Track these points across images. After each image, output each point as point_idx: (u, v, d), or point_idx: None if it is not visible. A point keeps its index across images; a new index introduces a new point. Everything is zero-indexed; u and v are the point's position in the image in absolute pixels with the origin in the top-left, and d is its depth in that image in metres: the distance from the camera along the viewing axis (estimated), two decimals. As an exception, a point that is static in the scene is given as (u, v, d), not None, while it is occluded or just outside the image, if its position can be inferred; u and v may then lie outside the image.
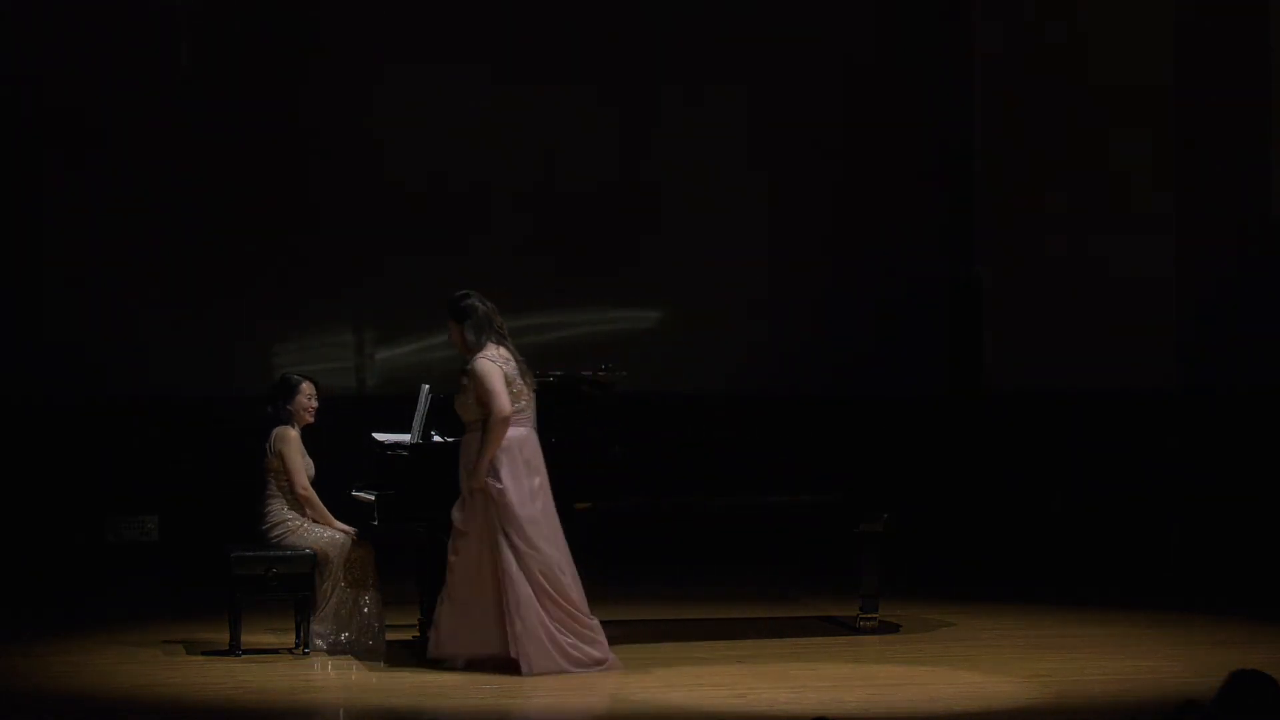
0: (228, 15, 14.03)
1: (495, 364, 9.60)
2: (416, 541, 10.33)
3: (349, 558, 10.16)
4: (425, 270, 13.53)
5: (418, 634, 10.21)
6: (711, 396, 14.05)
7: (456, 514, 9.59)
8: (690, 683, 9.38)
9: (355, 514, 10.29)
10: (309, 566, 10.11)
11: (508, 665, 9.49)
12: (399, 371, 13.96)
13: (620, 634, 10.19)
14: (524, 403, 9.67)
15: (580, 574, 9.72)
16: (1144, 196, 14.02)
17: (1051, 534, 13.93)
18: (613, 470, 10.26)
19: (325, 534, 10.20)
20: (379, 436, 10.40)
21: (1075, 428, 14.02)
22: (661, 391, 13.13)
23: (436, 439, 10.05)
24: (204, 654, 10.09)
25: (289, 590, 10.12)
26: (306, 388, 10.42)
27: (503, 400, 9.52)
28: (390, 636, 10.23)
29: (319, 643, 10.11)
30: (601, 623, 9.75)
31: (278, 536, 10.21)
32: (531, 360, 9.90)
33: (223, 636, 10.13)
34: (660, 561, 13.39)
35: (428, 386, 10.21)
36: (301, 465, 10.28)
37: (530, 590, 9.49)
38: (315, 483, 10.31)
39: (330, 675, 9.74)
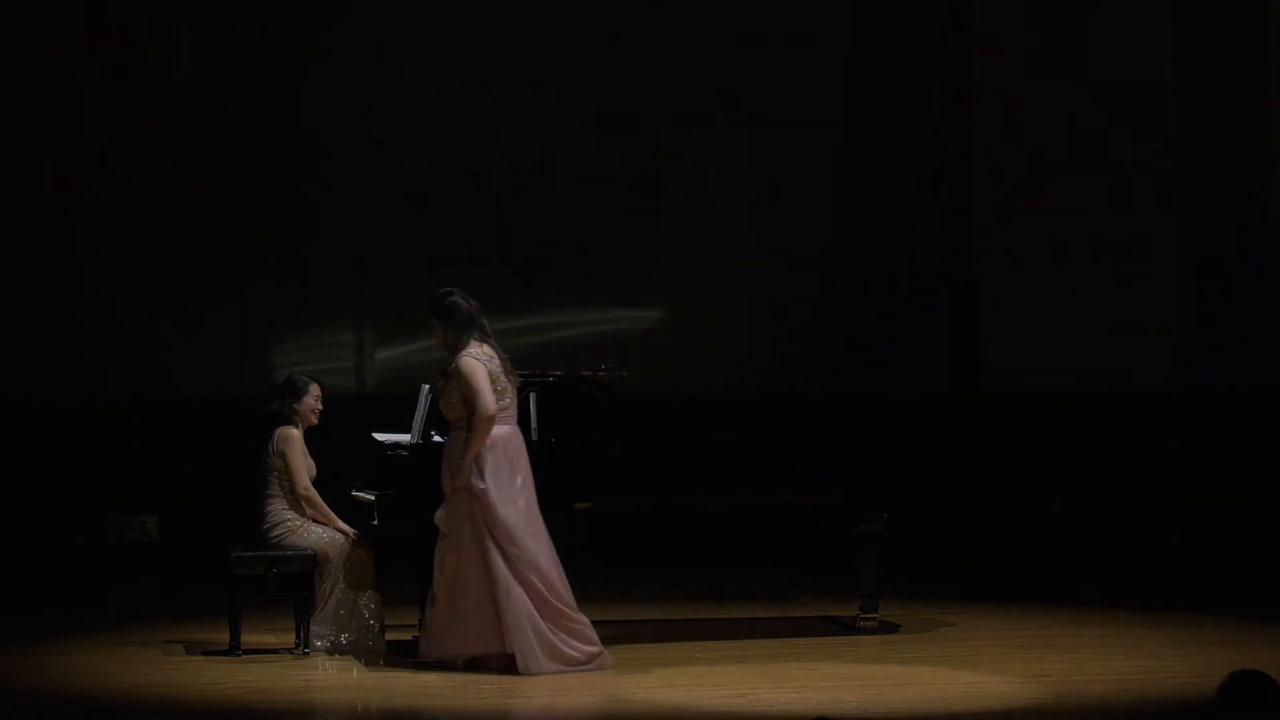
0: (228, 15, 14.04)
1: (480, 361, 9.57)
2: (416, 541, 10.33)
3: (349, 558, 10.15)
4: (425, 270, 13.51)
5: (418, 634, 10.19)
6: (711, 396, 14.07)
7: (440, 516, 9.59)
8: (690, 683, 9.36)
9: (355, 514, 10.29)
10: (309, 567, 10.10)
11: (505, 662, 9.48)
12: (399, 371, 13.96)
13: (620, 634, 10.19)
14: (508, 400, 9.65)
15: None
16: (1144, 196, 14.01)
17: (1051, 534, 13.92)
18: (613, 470, 10.25)
19: (325, 534, 10.20)
20: (379, 436, 10.40)
21: (1075, 428, 14.00)
22: (661, 391, 13.15)
23: (436, 439, 10.04)
24: (204, 654, 10.08)
25: (289, 590, 10.12)
26: (314, 389, 10.42)
27: (488, 398, 9.49)
28: (390, 636, 10.22)
29: (319, 643, 10.10)
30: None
31: (278, 536, 10.20)
32: (531, 360, 9.91)
33: (223, 636, 10.12)
34: (660, 561, 13.40)
35: (428, 386, 10.20)
36: (304, 465, 10.27)
37: (520, 589, 9.47)
38: (315, 483, 10.31)
39: (330, 675, 9.73)
